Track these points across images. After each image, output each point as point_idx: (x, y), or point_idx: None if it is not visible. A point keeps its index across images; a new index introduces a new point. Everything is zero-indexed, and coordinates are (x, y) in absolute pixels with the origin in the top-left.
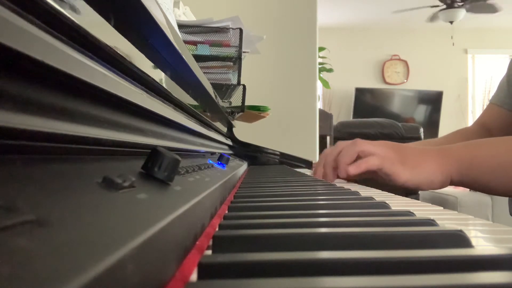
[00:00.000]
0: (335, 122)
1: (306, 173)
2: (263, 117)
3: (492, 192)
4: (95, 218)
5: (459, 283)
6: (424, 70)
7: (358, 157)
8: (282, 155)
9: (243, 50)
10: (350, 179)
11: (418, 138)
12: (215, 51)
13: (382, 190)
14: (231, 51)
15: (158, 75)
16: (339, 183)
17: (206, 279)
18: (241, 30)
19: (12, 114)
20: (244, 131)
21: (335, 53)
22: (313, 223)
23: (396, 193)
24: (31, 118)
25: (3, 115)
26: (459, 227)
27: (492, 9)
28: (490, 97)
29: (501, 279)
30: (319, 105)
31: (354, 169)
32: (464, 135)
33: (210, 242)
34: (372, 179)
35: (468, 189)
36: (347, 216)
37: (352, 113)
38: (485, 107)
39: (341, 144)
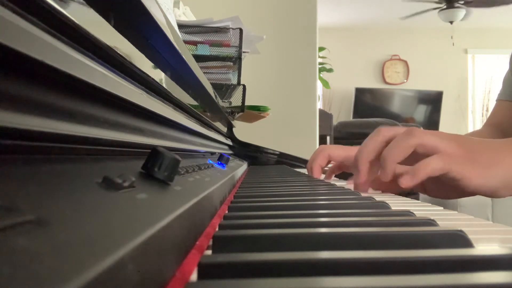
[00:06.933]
0: (335, 122)
1: (306, 173)
2: (263, 117)
3: None
4: (95, 218)
5: (459, 283)
6: (424, 70)
7: (414, 153)
8: (282, 155)
9: (243, 50)
10: (391, 189)
11: None
12: (215, 51)
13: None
14: (231, 51)
15: (158, 75)
16: (336, 182)
17: (206, 279)
18: (241, 30)
19: (12, 114)
20: (244, 131)
21: (335, 53)
22: (313, 223)
23: (396, 193)
24: (31, 118)
25: (3, 115)
26: (459, 227)
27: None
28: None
29: (501, 279)
30: (319, 105)
31: (409, 181)
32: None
33: (210, 242)
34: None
35: None
36: (347, 216)
37: (352, 113)
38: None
39: (386, 130)
